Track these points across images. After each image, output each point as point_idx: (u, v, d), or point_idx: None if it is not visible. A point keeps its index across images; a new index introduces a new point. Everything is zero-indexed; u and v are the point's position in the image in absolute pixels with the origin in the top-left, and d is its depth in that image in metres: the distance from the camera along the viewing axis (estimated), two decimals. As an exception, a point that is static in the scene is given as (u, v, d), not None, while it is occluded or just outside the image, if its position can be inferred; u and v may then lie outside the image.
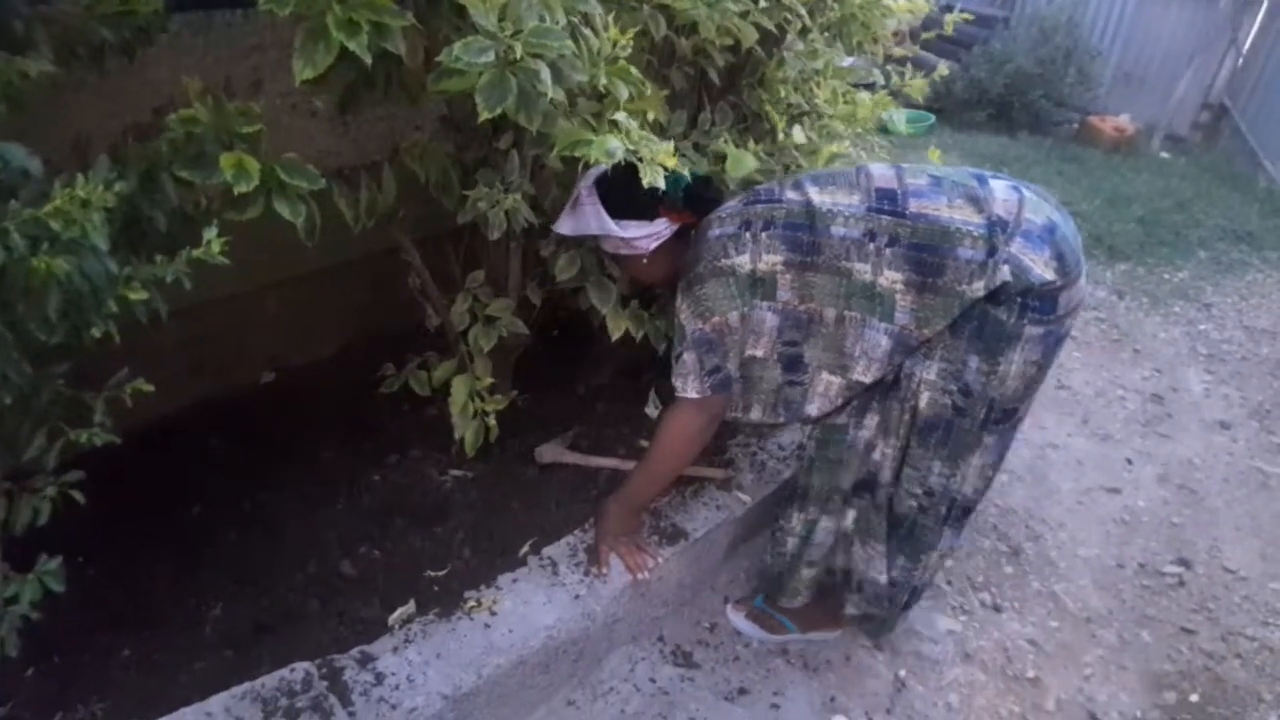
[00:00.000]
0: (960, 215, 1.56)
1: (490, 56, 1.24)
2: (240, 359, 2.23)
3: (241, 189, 1.21)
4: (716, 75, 2.25)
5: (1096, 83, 6.39)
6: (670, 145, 1.42)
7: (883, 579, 1.95)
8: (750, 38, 2.07)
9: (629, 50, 1.46)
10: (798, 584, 2.08)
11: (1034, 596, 2.47)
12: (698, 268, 1.68)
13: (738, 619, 2.18)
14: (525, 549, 1.95)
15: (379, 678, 1.58)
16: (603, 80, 1.42)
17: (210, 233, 1.12)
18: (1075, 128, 6.12)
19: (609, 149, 1.41)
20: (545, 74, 1.28)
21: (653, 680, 1.98)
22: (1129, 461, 3.08)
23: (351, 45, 1.15)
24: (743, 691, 2.03)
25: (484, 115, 1.31)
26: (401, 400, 2.23)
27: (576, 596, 1.83)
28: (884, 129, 5.42)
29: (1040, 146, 5.75)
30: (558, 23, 1.34)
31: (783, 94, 2.24)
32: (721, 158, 2.18)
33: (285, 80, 1.36)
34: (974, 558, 2.56)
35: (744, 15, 2.06)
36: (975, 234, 1.54)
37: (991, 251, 1.53)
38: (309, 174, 1.33)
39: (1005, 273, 1.52)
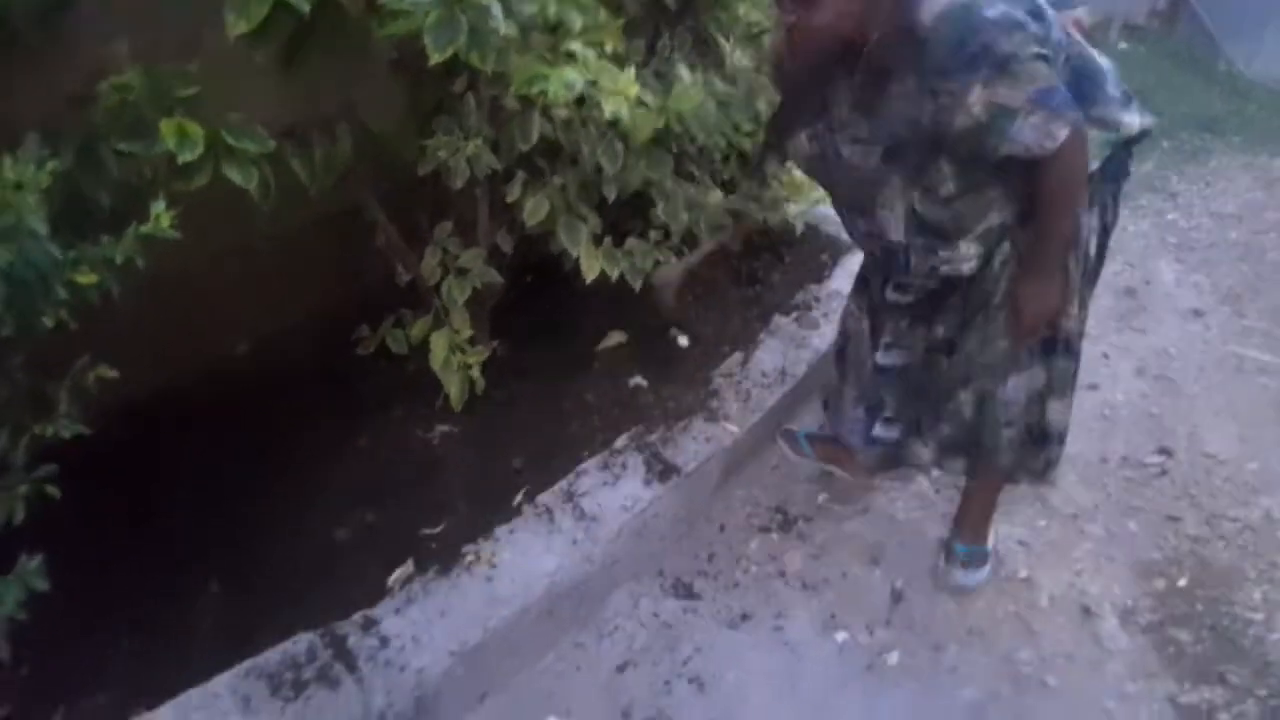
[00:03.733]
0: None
1: (434, -6, 1.17)
2: (210, 332, 2.16)
3: (186, 157, 1.14)
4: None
5: (1052, -24, 6.28)
6: (631, 74, 1.36)
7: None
8: (701, -45, 1.99)
9: (579, -23, 1.39)
10: None
11: (1020, 498, 2.49)
12: (1003, 46, 1.44)
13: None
14: (519, 498, 1.94)
15: (384, 641, 1.58)
16: (553, 10, 1.35)
17: (158, 206, 1.06)
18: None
19: (568, 82, 1.36)
20: (495, 8, 1.22)
21: (656, 615, 2.00)
22: (1105, 357, 3.10)
23: (286, -7, 1.08)
24: (745, 617, 2.05)
25: (435, 57, 1.25)
26: (380, 360, 2.19)
27: (574, 541, 1.83)
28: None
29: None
30: (502, -48, 1.27)
31: (741, 13, 2.16)
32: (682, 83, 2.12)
33: (223, 37, 1.29)
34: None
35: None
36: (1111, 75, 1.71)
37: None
38: (257, 136, 1.27)
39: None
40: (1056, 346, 1.89)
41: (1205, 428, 2.82)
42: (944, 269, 1.75)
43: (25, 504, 1.23)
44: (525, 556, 1.77)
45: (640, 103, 1.93)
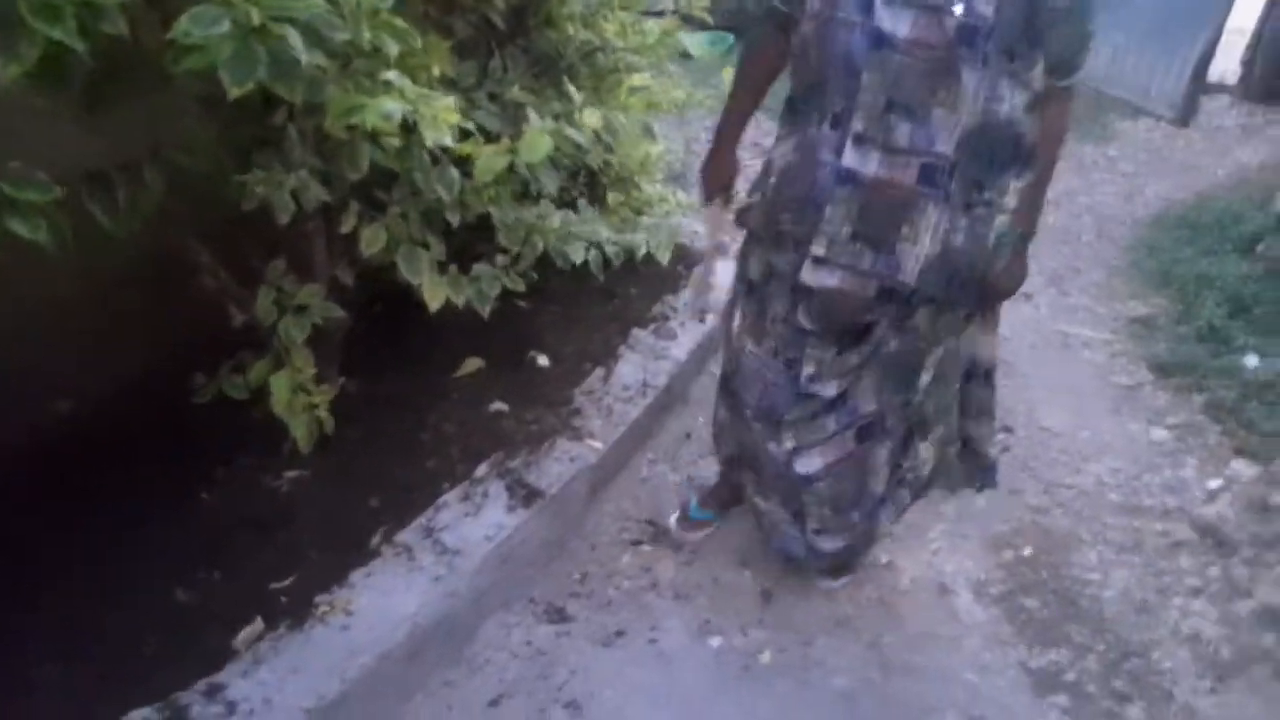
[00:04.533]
0: None
1: (225, 26, 1.12)
2: (25, 393, 2.00)
3: (-42, 213, 1.05)
4: (500, 19, 2.17)
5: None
6: (451, 100, 1.34)
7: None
8: (525, -27, 1.99)
9: (390, 1, 1.35)
10: None
11: (882, 488, 2.59)
12: None
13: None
14: (377, 538, 1.88)
15: (230, 707, 1.49)
16: (366, 36, 1.32)
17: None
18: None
19: (384, 112, 1.33)
20: (294, 38, 1.18)
21: (529, 643, 1.97)
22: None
23: (56, 33, 1.01)
24: (619, 634, 2.05)
25: (233, 92, 1.19)
26: (220, 408, 2.07)
27: (436, 578, 1.79)
28: (685, 54, 5.42)
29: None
30: (300, -19, 1.23)
31: (571, 31, 2.17)
32: (518, 105, 2.11)
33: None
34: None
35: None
36: None
37: None
38: (40, 184, 1.18)
39: None
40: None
41: (1041, 403, 3.01)
42: (969, 232, 1.55)
43: None
44: (384, 599, 1.71)
45: (480, 131, 1.92)
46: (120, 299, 1.89)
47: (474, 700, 1.83)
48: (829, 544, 1.98)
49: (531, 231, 1.97)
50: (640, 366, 2.48)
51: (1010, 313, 3.41)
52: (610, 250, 2.19)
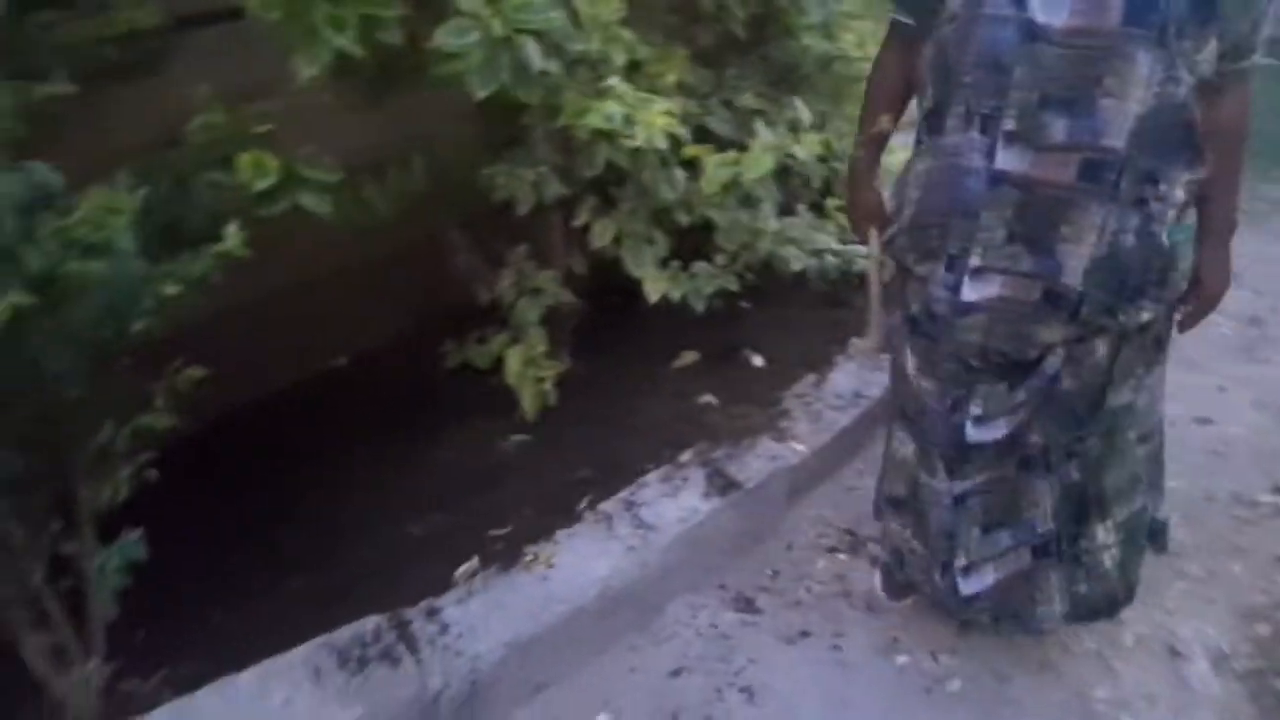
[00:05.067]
0: None
1: (474, 37, 1.31)
2: (313, 347, 2.39)
3: (260, 186, 1.32)
4: (741, 29, 2.27)
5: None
6: (667, 105, 1.46)
7: None
8: (764, -14, 2.07)
9: (620, 15, 1.49)
10: None
11: (1114, 532, 2.39)
12: None
13: None
14: (583, 505, 2.04)
15: (444, 628, 1.70)
16: (596, 47, 1.47)
17: (230, 229, 1.23)
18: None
19: (607, 114, 1.47)
20: (533, 48, 1.34)
21: (714, 625, 2.05)
22: (1221, 389, 2.93)
23: (340, 41, 1.24)
24: (804, 634, 2.06)
25: (479, 94, 1.38)
26: (464, 374, 2.35)
27: (630, 548, 1.91)
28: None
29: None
30: (544, -4, 1.40)
31: (808, 42, 2.22)
32: (752, 113, 2.20)
33: (312, 79, 1.47)
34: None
35: (758, -36, 2.06)
36: None
37: None
38: (326, 167, 1.44)
39: None
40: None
41: (1328, 462, 2.62)
42: (1144, 227, 1.42)
43: (127, 486, 1.42)
44: (582, 560, 1.87)
45: (711, 137, 2.04)
46: (390, 273, 2.21)
47: (656, 668, 1.93)
48: (974, 585, 1.80)
49: (749, 235, 2.04)
50: (855, 375, 2.47)
51: None
52: (830, 260, 2.21)
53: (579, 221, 2.07)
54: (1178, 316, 1.66)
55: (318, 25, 1.23)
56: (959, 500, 1.73)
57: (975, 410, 1.62)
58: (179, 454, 1.63)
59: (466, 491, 2.09)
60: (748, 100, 2.18)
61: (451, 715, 1.67)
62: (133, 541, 1.41)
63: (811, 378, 2.48)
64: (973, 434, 1.64)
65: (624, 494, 2.04)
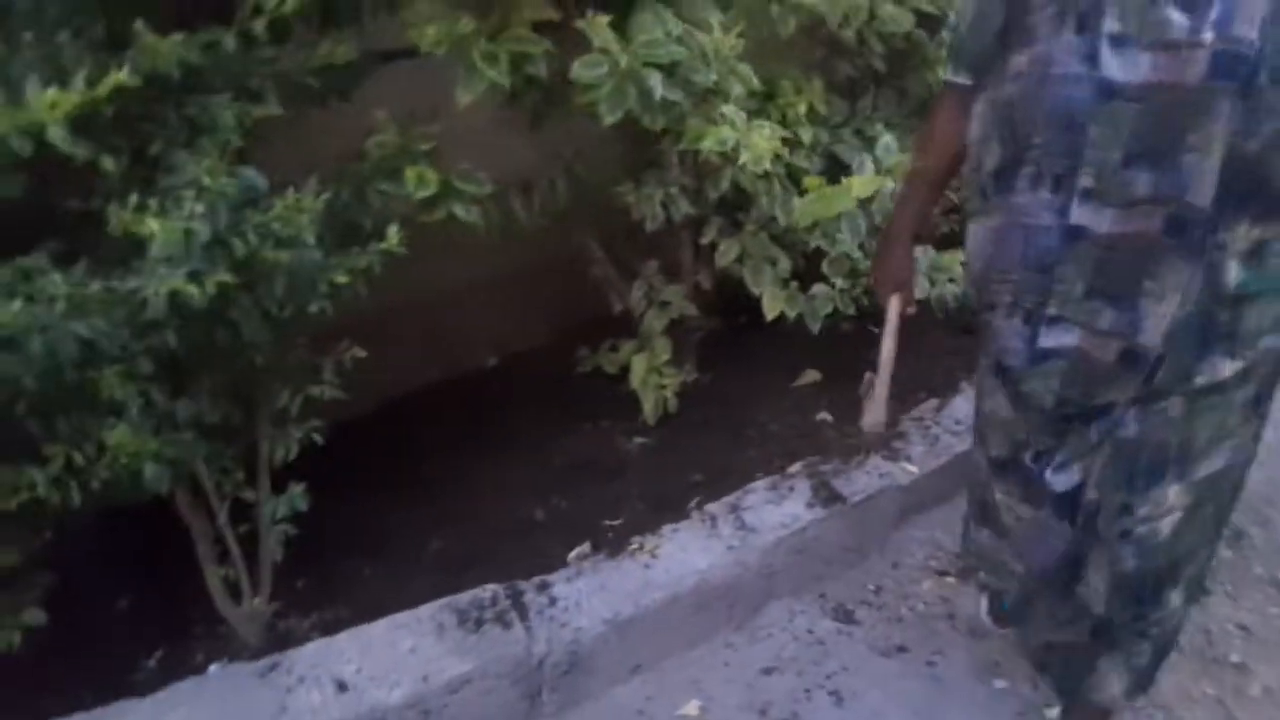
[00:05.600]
0: None
1: (603, 69, 1.49)
2: (469, 346, 2.66)
3: (421, 195, 1.55)
4: (881, 61, 2.37)
5: None
6: (773, 130, 1.59)
7: None
8: (906, 22, 2.17)
9: (738, 50, 1.64)
10: None
11: (1254, 582, 2.29)
12: None
13: None
14: (691, 505, 2.17)
15: (553, 600, 1.88)
16: (713, 79, 1.62)
17: (392, 229, 1.46)
18: None
19: (721, 139, 1.62)
20: (654, 79, 1.51)
21: (810, 631, 2.12)
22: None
23: (492, 74, 1.45)
24: (901, 649, 2.10)
25: (607, 119, 1.56)
26: (597, 378, 2.55)
27: (730, 547, 2.03)
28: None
29: None
30: (671, 34, 1.57)
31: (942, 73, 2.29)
32: (883, 142, 2.29)
33: (477, 105, 1.72)
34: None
35: (900, 1, 2.16)
36: None
37: None
38: (478, 181, 1.66)
39: None
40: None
41: None
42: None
43: (298, 447, 1.69)
44: (683, 552, 2.00)
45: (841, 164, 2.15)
46: (537, 283, 2.44)
47: (749, 664, 2.03)
48: (1053, 634, 1.78)
49: (852, 262, 2.13)
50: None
51: None
52: (950, 288, 2.26)
53: (706, 240, 2.22)
54: None
55: (475, 60, 1.45)
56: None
57: (1060, 459, 1.58)
58: (350, 430, 1.92)
59: (587, 483, 2.28)
60: (878, 130, 2.27)
61: (554, 681, 1.84)
62: (299, 493, 1.67)
63: (933, 402, 2.51)
64: (1052, 479, 1.60)
65: (730, 498, 2.16)
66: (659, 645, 1.97)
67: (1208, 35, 1.18)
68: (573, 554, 2.04)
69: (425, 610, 1.83)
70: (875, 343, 2.79)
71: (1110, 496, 1.54)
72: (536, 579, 1.94)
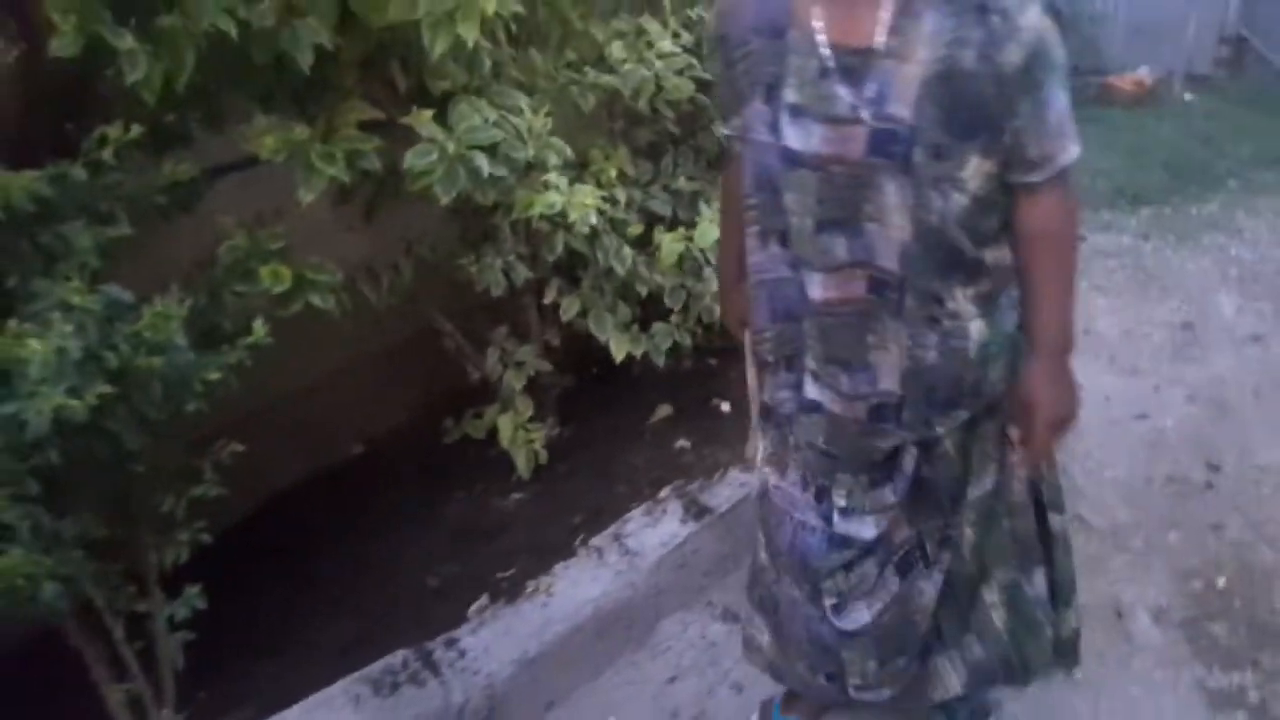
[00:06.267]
0: None
1: (434, 156, 1.67)
2: (334, 435, 2.72)
3: (278, 290, 1.67)
4: (674, 125, 2.67)
5: (1108, 43, 6.48)
6: (592, 191, 1.82)
7: None
8: (687, 90, 2.47)
9: (549, 127, 1.86)
10: None
11: (1062, 521, 2.64)
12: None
13: None
14: (576, 543, 2.32)
15: (462, 653, 1.97)
16: (531, 154, 1.83)
17: (258, 324, 1.57)
18: (1094, 92, 6.22)
19: (549, 203, 1.83)
20: (480, 159, 1.71)
21: (703, 637, 2.29)
22: (1156, 389, 3.21)
23: (331, 171, 1.61)
24: (785, 638, 2.31)
25: (444, 200, 1.74)
26: (464, 446, 2.67)
27: (618, 572, 2.19)
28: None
29: (1058, 114, 5.84)
30: (488, 120, 1.77)
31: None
32: (692, 194, 2.58)
33: (316, 204, 1.86)
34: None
35: (680, 72, 2.46)
36: None
37: None
38: (328, 271, 1.79)
39: None
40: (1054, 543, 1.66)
41: (1257, 442, 2.88)
42: (943, 344, 1.38)
43: (188, 549, 1.73)
44: (576, 586, 2.14)
45: (656, 217, 2.41)
46: (391, 365, 2.55)
47: (654, 677, 2.17)
48: (872, 696, 1.72)
49: (691, 295, 2.38)
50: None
51: (1234, 355, 3.32)
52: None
53: (549, 300, 2.42)
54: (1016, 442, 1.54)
55: (314, 161, 1.60)
56: (850, 634, 1.64)
57: (840, 502, 1.56)
58: (231, 534, 1.96)
59: (474, 544, 2.38)
60: (682, 184, 2.55)
61: (475, 729, 1.93)
62: (194, 593, 1.70)
63: (773, 416, 2.78)
64: (840, 525, 1.57)
65: (611, 529, 2.32)
66: (568, 677, 2.09)
67: (865, 113, 1.23)
68: (472, 608, 2.13)
69: (338, 687, 1.88)
70: (716, 374, 3.08)
71: (927, 525, 1.58)
72: (441, 638, 2.02)
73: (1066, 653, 1.81)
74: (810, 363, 1.48)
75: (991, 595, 1.66)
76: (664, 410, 2.84)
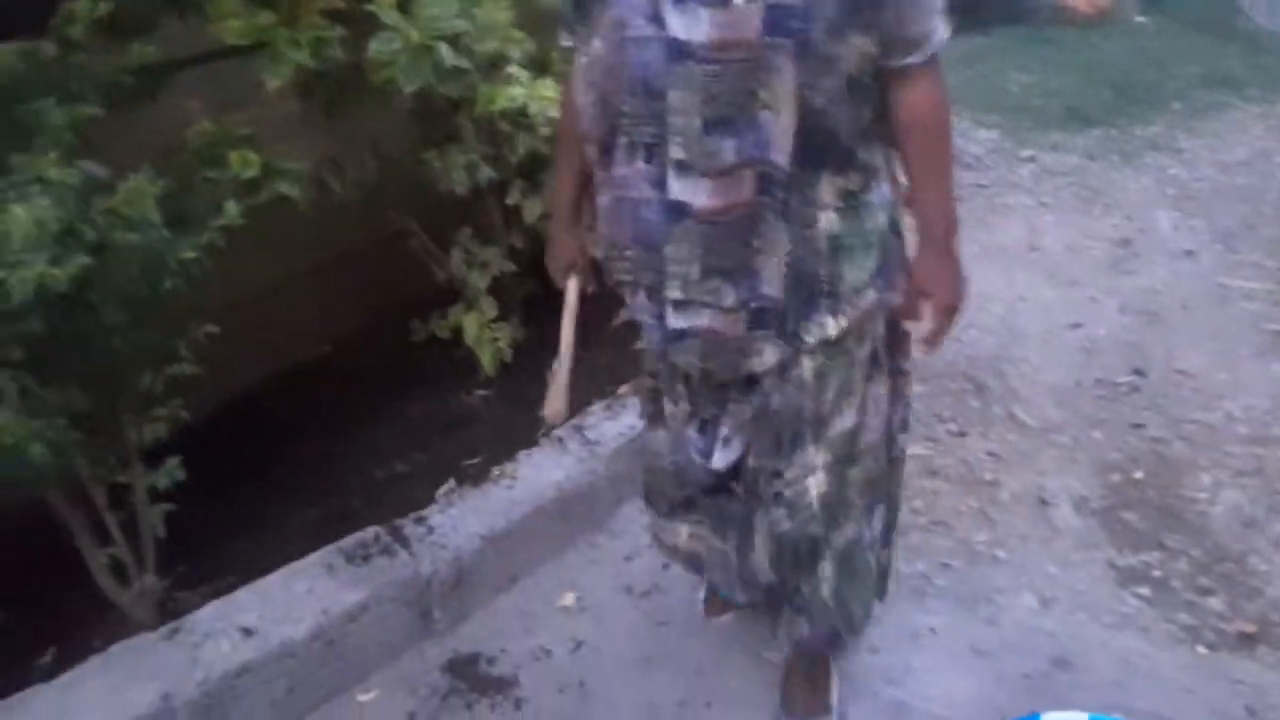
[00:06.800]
0: None
1: (397, 44, 1.72)
2: (301, 337, 2.78)
3: (247, 175, 1.72)
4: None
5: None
6: (551, 83, 1.87)
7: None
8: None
9: (511, 21, 1.91)
10: None
11: (996, 420, 2.81)
12: None
13: None
14: (540, 434, 2.43)
15: (430, 529, 2.09)
16: (496, 47, 1.88)
17: (229, 206, 1.63)
18: (1049, 14, 6.27)
19: (510, 96, 1.89)
20: (443, 50, 1.76)
21: (658, 523, 2.44)
22: (1093, 300, 3.37)
23: (299, 57, 1.65)
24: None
25: (407, 89, 1.79)
26: (434, 345, 2.75)
27: (580, 460, 2.31)
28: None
29: (1013, 36, 5.91)
30: (449, 9, 1.81)
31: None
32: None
33: (279, 100, 1.90)
34: (941, 397, 2.92)
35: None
36: None
37: None
38: (295, 159, 1.84)
39: None
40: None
41: (1182, 349, 3.06)
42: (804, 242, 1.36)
43: (166, 425, 1.81)
44: (539, 471, 2.26)
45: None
46: (359, 266, 2.61)
47: (613, 556, 2.32)
48: (740, 595, 1.85)
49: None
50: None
51: (1167, 268, 3.49)
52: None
53: (511, 201, 2.48)
54: (914, 332, 1.60)
55: (280, 47, 1.63)
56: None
57: (724, 431, 1.59)
58: (202, 430, 2.04)
59: (441, 436, 2.49)
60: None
61: (443, 599, 2.06)
62: (174, 465, 1.79)
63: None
64: (718, 459, 1.61)
65: (573, 421, 2.44)
66: (532, 554, 2.22)
67: None
68: (440, 491, 2.25)
69: (314, 557, 2.00)
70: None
71: (765, 463, 1.57)
72: (411, 515, 2.14)
73: (882, 587, 1.86)
74: (674, 291, 1.42)
75: (829, 569, 1.64)
76: (626, 314, 2.93)
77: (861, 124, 1.34)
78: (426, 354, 2.76)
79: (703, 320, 1.43)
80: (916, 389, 2.84)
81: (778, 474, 1.57)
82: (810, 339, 1.44)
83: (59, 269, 1.40)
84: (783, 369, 1.48)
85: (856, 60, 1.26)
